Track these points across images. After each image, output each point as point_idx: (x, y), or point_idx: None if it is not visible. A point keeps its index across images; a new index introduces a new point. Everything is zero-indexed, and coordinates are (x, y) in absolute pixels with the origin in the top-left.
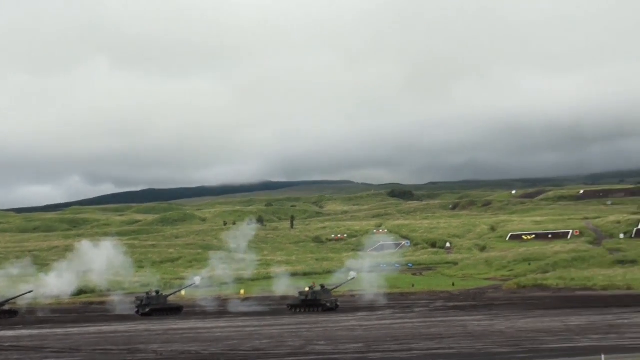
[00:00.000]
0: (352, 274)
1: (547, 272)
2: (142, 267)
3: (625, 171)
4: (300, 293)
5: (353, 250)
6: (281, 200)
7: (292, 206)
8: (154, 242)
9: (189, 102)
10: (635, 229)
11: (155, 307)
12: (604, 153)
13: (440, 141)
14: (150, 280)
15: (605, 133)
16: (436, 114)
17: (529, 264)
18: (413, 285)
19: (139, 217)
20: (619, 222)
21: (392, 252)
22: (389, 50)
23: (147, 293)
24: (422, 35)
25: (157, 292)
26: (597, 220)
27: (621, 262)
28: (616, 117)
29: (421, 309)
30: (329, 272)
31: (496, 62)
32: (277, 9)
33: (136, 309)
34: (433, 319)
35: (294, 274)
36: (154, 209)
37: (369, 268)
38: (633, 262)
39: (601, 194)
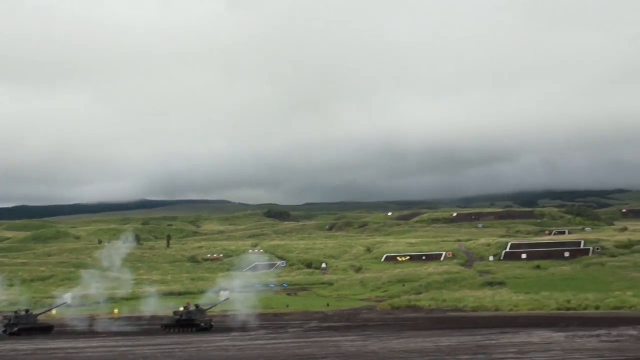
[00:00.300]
0: (224, 294)
1: (420, 293)
2: (11, 285)
3: (496, 195)
4: (175, 312)
5: (228, 270)
6: (158, 219)
7: (168, 225)
8: (24, 260)
9: (65, 117)
10: (504, 251)
11: (24, 326)
12: (476, 177)
13: (318, 162)
14: (19, 298)
15: (479, 157)
16: (313, 135)
17: (403, 285)
18: (287, 306)
19: (8, 234)
20: (489, 245)
21: (267, 272)
22: (268, 71)
23: (16, 312)
24: (301, 56)
25: (27, 310)
26: (468, 242)
27: (490, 284)
28: (489, 141)
29: (295, 329)
30: (203, 291)
31: (374, 85)
32: (158, 24)
33: (3, 328)
34: (307, 339)
35: (169, 294)
36: (26, 226)
37: (242, 288)
38: (501, 283)
39: (473, 217)
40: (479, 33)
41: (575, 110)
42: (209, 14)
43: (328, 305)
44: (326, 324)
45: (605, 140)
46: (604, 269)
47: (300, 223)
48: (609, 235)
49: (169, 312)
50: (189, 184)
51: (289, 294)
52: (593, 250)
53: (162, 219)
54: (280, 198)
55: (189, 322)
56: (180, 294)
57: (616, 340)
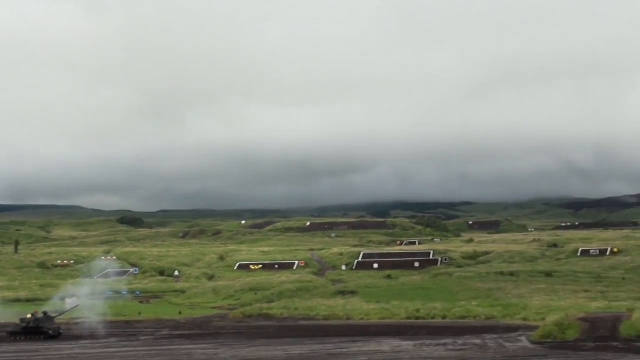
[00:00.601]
0: (70, 301)
1: (272, 301)
2: None
3: (349, 205)
4: (22, 320)
5: (79, 276)
6: (6, 224)
7: (17, 230)
8: None
9: None
10: (356, 261)
11: None
12: (330, 187)
13: (173, 169)
14: None
15: (333, 168)
16: (169, 142)
17: (255, 294)
18: (140, 314)
19: None
20: (341, 254)
21: (120, 279)
22: (121, 77)
23: None
24: (156, 63)
25: None
26: (321, 251)
27: (342, 293)
28: (342, 152)
29: (147, 337)
30: (52, 298)
31: (229, 93)
32: (8, 25)
33: None
34: (158, 347)
35: (15, 300)
36: None
37: (92, 295)
38: (353, 292)
39: (326, 227)
40: (336, 45)
41: (426, 125)
42: (61, 16)
43: (180, 313)
44: (178, 332)
45: (453, 154)
46: (452, 279)
47: (154, 230)
48: (457, 247)
49: (16, 319)
50: (39, 189)
51: (141, 302)
52: (441, 260)
53: (10, 224)
54: (134, 205)
55: (36, 330)
56: (28, 300)
57: (461, 349)
